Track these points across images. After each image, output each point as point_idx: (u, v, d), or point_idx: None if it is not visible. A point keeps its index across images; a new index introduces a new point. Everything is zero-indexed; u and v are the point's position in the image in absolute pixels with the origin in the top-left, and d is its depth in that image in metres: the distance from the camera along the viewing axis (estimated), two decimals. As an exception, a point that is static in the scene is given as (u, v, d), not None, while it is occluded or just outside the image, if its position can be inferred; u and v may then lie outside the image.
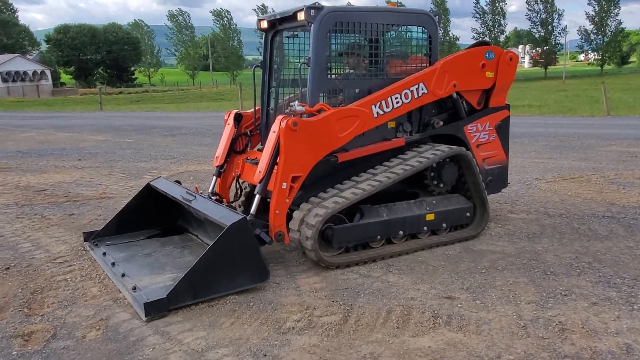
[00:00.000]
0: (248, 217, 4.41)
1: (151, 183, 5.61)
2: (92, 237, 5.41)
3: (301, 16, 4.80)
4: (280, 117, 4.62)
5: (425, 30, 5.43)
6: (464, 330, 3.57)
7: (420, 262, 4.88)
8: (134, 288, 4.15)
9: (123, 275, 4.45)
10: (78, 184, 8.69)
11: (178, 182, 5.64)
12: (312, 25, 4.79)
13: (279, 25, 5.46)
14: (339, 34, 5.16)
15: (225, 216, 4.35)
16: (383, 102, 5.04)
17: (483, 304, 3.97)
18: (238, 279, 4.16)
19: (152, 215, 5.56)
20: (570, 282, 4.36)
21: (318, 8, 4.79)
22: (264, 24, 5.52)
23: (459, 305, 3.94)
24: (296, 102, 4.76)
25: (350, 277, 4.55)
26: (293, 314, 3.86)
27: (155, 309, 3.81)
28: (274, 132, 4.63)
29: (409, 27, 5.55)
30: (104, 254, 5.00)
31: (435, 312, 3.84)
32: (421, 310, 3.86)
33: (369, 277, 4.54)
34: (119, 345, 3.45)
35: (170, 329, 3.66)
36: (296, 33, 5.44)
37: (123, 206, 5.69)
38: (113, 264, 4.72)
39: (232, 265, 4.13)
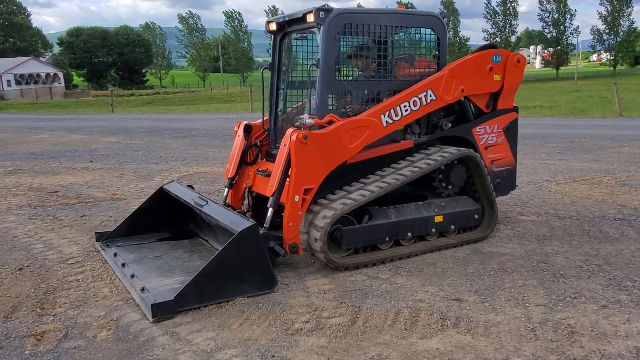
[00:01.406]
0: (262, 231, 4.43)
1: (164, 187, 5.66)
2: (104, 238, 5.47)
3: (310, 18, 4.82)
4: (290, 130, 4.64)
5: (434, 32, 5.43)
6: (472, 333, 3.56)
7: (429, 264, 4.88)
8: (143, 289, 4.19)
9: (132, 276, 4.49)
10: (90, 185, 8.78)
11: (191, 186, 5.68)
12: (321, 27, 4.80)
13: (287, 27, 5.48)
14: (347, 36, 5.17)
15: (236, 222, 4.37)
16: (392, 110, 5.04)
17: (492, 306, 3.96)
18: (245, 285, 4.17)
19: (163, 219, 5.61)
20: (580, 284, 4.33)
21: (327, 10, 4.80)
22: (273, 26, 5.54)
23: (467, 308, 3.94)
24: (305, 115, 4.77)
25: (358, 279, 4.56)
26: (301, 315, 3.88)
27: (163, 311, 3.84)
28: (284, 145, 4.65)
29: (417, 29, 5.56)
30: (115, 254, 5.05)
31: (444, 314, 3.84)
32: (429, 312, 3.86)
33: (377, 279, 4.55)
34: (129, 345, 3.49)
35: (179, 329, 3.69)
36: (305, 35, 5.45)
37: (136, 208, 5.75)
38: (123, 264, 4.78)
39: (240, 271, 4.15)
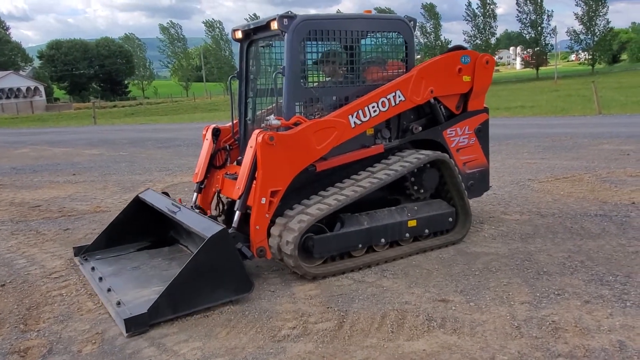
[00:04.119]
0: (230, 231, 4.38)
1: (140, 195, 5.61)
2: (82, 252, 5.39)
3: (274, 25, 4.77)
4: (256, 131, 4.58)
5: (401, 36, 5.45)
6: (458, 333, 3.59)
7: (414, 266, 4.90)
8: (118, 303, 4.12)
9: (109, 290, 4.41)
10: (73, 198, 8.69)
11: (166, 193, 5.64)
12: (286, 34, 4.76)
13: (253, 35, 5.45)
14: (313, 42, 5.11)
15: (206, 227, 4.32)
16: (360, 111, 5.00)
17: (477, 305, 4.00)
18: (220, 291, 4.12)
19: (141, 228, 5.53)
20: (564, 281, 4.39)
21: (291, 17, 4.75)
22: (239, 34, 5.50)
23: (453, 308, 3.97)
24: (272, 116, 4.70)
25: (344, 283, 4.57)
26: (288, 321, 3.88)
27: (136, 325, 3.78)
28: (250, 147, 4.58)
29: (384, 33, 5.56)
30: (93, 268, 4.97)
31: (430, 315, 3.86)
32: (415, 314, 3.88)
33: (363, 283, 4.56)
34: (115, 359, 3.46)
35: (166, 340, 3.67)
36: (271, 42, 5.41)
37: (112, 219, 5.68)
38: (100, 278, 4.69)
39: (213, 277, 4.09)
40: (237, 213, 4.59)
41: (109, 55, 79.83)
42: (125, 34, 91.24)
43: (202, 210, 5.53)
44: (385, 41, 5.59)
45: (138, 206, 5.54)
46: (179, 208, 4.93)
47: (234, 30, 5.58)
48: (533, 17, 69.86)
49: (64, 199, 8.63)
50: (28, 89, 61.71)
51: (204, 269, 4.06)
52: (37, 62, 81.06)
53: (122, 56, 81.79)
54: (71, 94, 79.33)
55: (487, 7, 71.25)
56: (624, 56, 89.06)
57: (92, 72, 79.47)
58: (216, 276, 4.11)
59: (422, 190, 5.42)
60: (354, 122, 4.98)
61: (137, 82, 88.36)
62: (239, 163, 5.44)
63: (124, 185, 9.66)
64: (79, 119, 39.01)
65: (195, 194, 5.65)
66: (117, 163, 12.71)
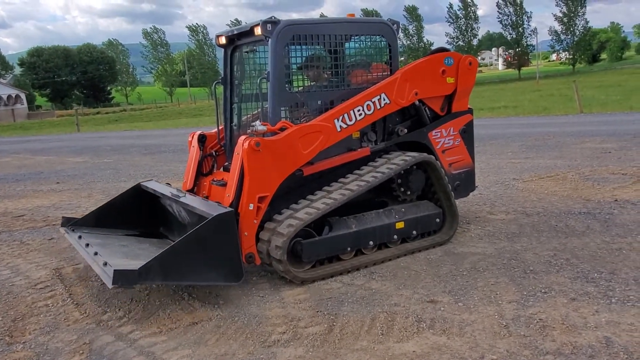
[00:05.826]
0: None
1: (142, 183, 5.59)
2: (70, 224, 5.34)
3: (258, 31, 4.77)
4: (242, 137, 4.59)
5: (385, 39, 5.48)
6: (447, 333, 3.61)
7: (403, 268, 4.92)
8: (105, 263, 4.06)
9: (95, 253, 4.36)
10: (57, 207, 8.59)
11: (168, 184, 5.63)
12: (270, 39, 4.77)
13: (237, 40, 5.45)
14: (297, 47, 5.12)
15: (214, 208, 4.36)
16: (346, 115, 5.02)
17: (465, 305, 4.02)
18: (212, 273, 4.11)
19: (133, 216, 5.49)
20: (550, 279, 4.43)
21: (274, 22, 4.76)
22: (222, 40, 5.51)
23: (442, 309, 3.99)
24: (258, 122, 4.70)
25: (333, 287, 4.57)
26: (278, 326, 3.87)
27: (124, 279, 3.73)
28: (237, 153, 4.59)
29: (367, 36, 5.58)
30: (79, 237, 4.93)
31: (419, 316, 3.87)
32: (405, 316, 3.90)
33: (352, 286, 4.57)
34: (103, 369, 3.43)
35: (155, 349, 3.64)
36: (255, 48, 5.42)
37: (108, 200, 5.62)
38: (87, 244, 4.64)
39: (209, 256, 4.08)
40: None
41: (91, 62, 79.09)
42: (108, 39, 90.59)
43: None
44: (369, 44, 5.61)
45: (136, 194, 5.50)
46: (184, 194, 4.95)
47: (218, 36, 5.57)
48: (513, 18, 70.71)
49: (48, 208, 8.53)
50: (9, 97, 60.92)
51: (202, 245, 4.04)
52: (17, 70, 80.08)
53: (104, 62, 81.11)
54: (53, 101, 78.46)
55: (469, 9, 71.96)
56: (603, 55, 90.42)
57: (75, 79, 78.63)
58: (212, 256, 4.10)
59: (409, 192, 5.45)
60: (340, 126, 5.00)
61: (121, 88, 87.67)
62: (226, 169, 5.43)
63: (109, 193, 9.55)
64: (61, 126, 38.61)
65: None
66: (102, 170, 12.59)
